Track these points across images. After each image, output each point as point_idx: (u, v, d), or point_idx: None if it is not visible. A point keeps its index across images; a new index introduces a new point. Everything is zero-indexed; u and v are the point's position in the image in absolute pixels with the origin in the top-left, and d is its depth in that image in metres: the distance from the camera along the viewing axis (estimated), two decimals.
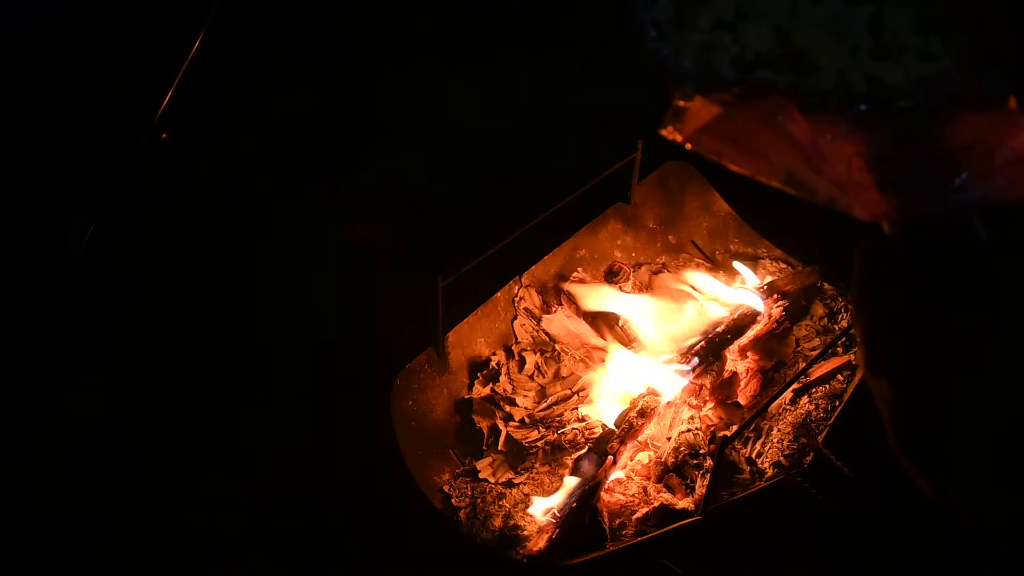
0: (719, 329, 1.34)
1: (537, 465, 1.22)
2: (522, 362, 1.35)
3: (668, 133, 0.63)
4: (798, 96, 0.61)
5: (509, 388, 1.31)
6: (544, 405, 1.29)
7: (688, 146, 0.61)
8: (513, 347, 1.37)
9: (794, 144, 0.57)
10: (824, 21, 0.66)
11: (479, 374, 1.32)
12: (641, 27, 0.65)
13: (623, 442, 1.17)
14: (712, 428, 1.23)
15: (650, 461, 1.21)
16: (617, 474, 1.18)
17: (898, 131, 0.57)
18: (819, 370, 1.25)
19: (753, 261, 1.52)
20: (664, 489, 1.16)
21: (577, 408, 1.28)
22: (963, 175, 0.52)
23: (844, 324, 1.37)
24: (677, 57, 0.65)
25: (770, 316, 1.34)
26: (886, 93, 0.60)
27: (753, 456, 1.20)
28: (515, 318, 1.39)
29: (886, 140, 0.57)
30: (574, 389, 1.31)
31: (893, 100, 0.58)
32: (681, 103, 0.64)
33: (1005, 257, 0.50)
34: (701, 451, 1.19)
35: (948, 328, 0.47)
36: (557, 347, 1.38)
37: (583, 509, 1.12)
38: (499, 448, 1.25)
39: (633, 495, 1.17)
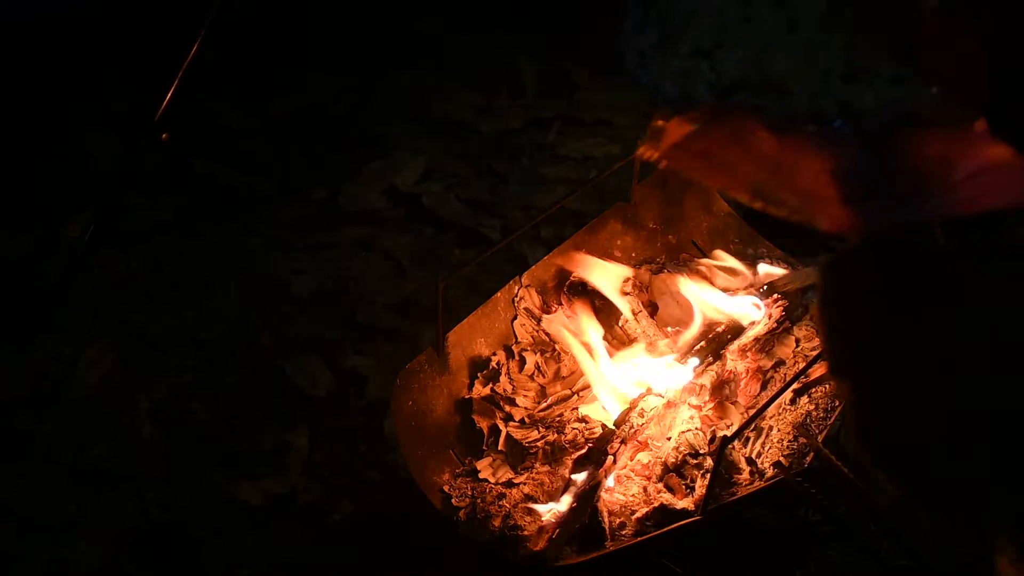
0: (719, 329, 1.34)
1: (537, 465, 1.22)
2: (522, 362, 1.35)
3: (644, 151, 0.69)
4: (769, 117, 0.64)
5: (509, 388, 1.31)
6: (544, 405, 1.29)
7: (663, 163, 0.67)
8: (513, 347, 1.37)
9: (762, 160, 0.60)
10: (799, 48, 0.69)
11: (479, 374, 1.32)
12: (625, 54, 0.69)
13: (623, 442, 1.17)
14: (712, 428, 1.24)
15: (650, 461, 1.21)
16: (617, 474, 1.18)
17: (864, 148, 0.59)
18: (819, 370, 1.25)
19: (753, 261, 1.52)
20: (664, 489, 1.16)
21: (577, 408, 1.28)
22: (924, 189, 0.55)
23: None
24: (659, 82, 0.68)
25: (770, 316, 1.34)
26: (855, 114, 0.62)
27: (753, 456, 1.20)
28: (515, 318, 1.39)
29: (852, 157, 0.59)
30: (574, 389, 1.31)
31: (862, 121, 0.61)
32: (659, 123, 0.68)
33: (962, 263, 0.52)
34: (701, 451, 1.19)
35: (905, 329, 0.49)
36: (557, 347, 1.38)
37: (583, 509, 1.11)
38: (499, 448, 1.25)
39: (633, 495, 1.17)
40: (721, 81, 0.66)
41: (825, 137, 0.60)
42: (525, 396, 1.31)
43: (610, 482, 1.17)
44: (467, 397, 1.31)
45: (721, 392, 1.28)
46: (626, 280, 1.41)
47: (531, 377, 1.34)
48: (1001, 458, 0.42)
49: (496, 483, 1.20)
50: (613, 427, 1.20)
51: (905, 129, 0.58)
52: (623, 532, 1.12)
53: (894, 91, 0.64)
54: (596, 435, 1.22)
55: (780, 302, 1.37)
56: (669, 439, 1.22)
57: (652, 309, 1.42)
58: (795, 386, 1.23)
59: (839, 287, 0.54)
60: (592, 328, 1.36)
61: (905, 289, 0.51)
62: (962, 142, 0.56)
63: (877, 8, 0.67)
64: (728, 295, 1.41)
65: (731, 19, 0.71)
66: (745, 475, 1.17)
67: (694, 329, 1.35)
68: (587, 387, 1.31)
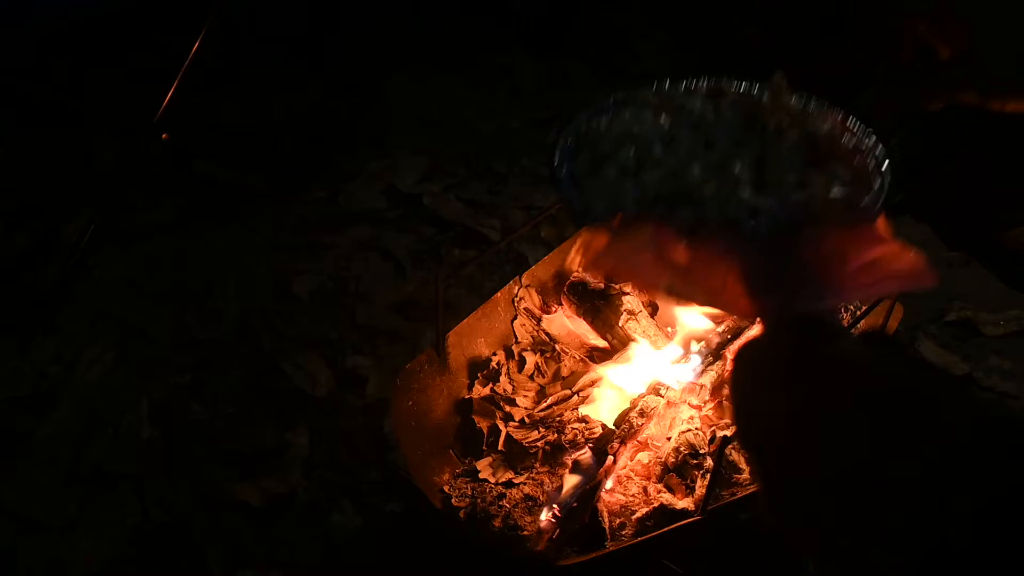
0: (720, 329, 1.34)
1: (537, 465, 1.22)
2: (522, 362, 1.35)
3: (572, 263, 0.78)
4: (679, 224, 0.74)
5: (509, 388, 1.31)
6: (544, 405, 1.29)
7: (583, 271, 0.80)
8: (513, 347, 1.37)
9: (672, 264, 0.69)
10: (714, 163, 0.83)
11: (479, 374, 1.32)
12: (561, 179, 0.83)
13: (623, 442, 1.17)
14: (712, 428, 1.23)
15: (650, 461, 1.21)
16: (617, 474, 1.18)
17: (766, 246, 0.68)
18: None
19: None
20: (664, 489, 1.16)
21: (577, 408, 1.28)
22: (818, 282, 0.63)
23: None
24: (591, 202, 0.81)
25: None
26: (760, 216, 0.73)
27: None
28: (515, 318, 1.39)
29: (756, 255, 0.68)
30: (574, 389, 1.31)
31: (765, 222, 0.71)
32: (587, 236, 0.79)
33: (842, 343, 0.58)
34: (701, 451, 1.19)
35: (792, 405, 0.54)
36: (557, 347, 1.38)
37: (583, 509, 1.11)
38: (499, 448, 1.25)
39: (633, 495, 1.17)
40: (645, 195, 0.77)
41: (731, 238, 0.69)
42: (525, 396, 1.31)
43: (610, 482, 1.17)
44: (467, 397, 1.31)
45: (721, 392, 1.28)
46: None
47: (531, 377, 1.34)
48: (880, 522, 0.45)
49: (496, 483, 1.20)
50: (613, 427, 1.20)
51: (804, 229, 0.68)
52: (623, 532, 1.12)
53: (797, 194, 0.76)
54: (596, 435, 1.22)
55: None
56: (669, 439, 1.22)
57: (652, 309, 1.42)
58: None
59: (741, 370, 0.60)
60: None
61: (792, 370, 0.57)
62: (856, 238, 0.66)
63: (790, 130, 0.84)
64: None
65: (654, 142, 0.87)
66: (745, 475, 1.17)
67: (695, 329, 1.35)
68: (587, 387, 1.31)
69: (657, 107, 0.97)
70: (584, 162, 0.92)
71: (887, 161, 0.90)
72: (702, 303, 0.73)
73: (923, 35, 0.89)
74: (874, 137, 0.93)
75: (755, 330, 1.19)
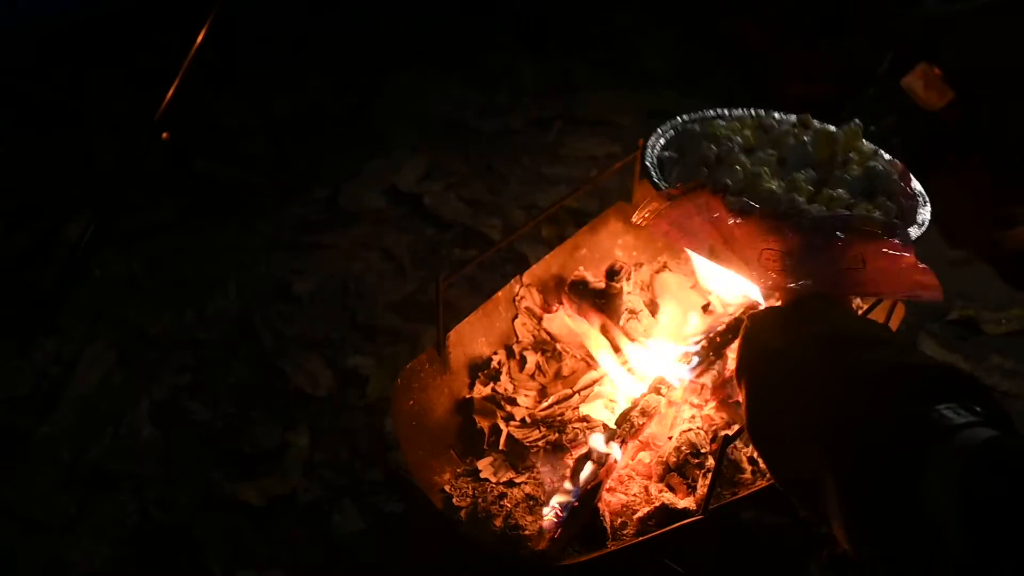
0: (721, 327, 1.33)
1: (538, 465, 1.22)
2: (523, 361, 1.35)
3: (635, 219, 0.93)
4: (732, 200, 0.88)
5: (510, 388, 1.31)
6: (545, 404, 1.28)
7: (644, 224, 0.90)
8: (514, 346, 1.36)
9: (719, 231, 0.82)
10: (781, 176, 1.03)
11: (480, 374, 1.32)
12: (648, 159, 1.10)
13: (624, 441, 1.17)
14: (714, 427, 1.23)
15: (651, 460, 1.20)
16: (618, 473, 1.18)
17: (803, 239, 0.81)
18: None
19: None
20: (666, 488, 1.16)
21: (578, 407, 1.28)
22: (841, 275, 0.76)
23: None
24: (670, 183, 1.02)
25: None
26: (806, 217, 0.87)
27: (755, 455, 1.19)
28: (516, 317, 1.39)
29: (792, 244, 0.81)
30: (575, 388, 1.31)
31: (809, 222, 0.85)
32: (646, 198, 0.92)
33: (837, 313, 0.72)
34: (703, 450, 1.18)
35: (777, 349, 0.66)
36: (558, 346, 1.37)
37: (584, 509, 1.11)
38: (500, 448, 1.24)
39: (635, 495, 1.16)
40: (715, 185, 0.93)
41: (776, 226, 0.83)
42: (526, 396, 1.30)
43: (611, 482, 1.16)
44: (468, 397, 1.30)
45: (723, 391, 1.27)
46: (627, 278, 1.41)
47: (532, 377, 1.34)
48: (830, 445, 0.58)
49: (497, 483, 1.19)
50: (614, 427, 1.20)
51: (840, 233, 0.81)
52: (625, 532, 1.12)
53: (843, 211, 0.91)
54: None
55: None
56: (670, 438, 1.22)
57: (653, 308, 1.41)
58: None
59: (749, 327, 0.71)
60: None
61: (785, 323, 0.70)
62: (879, 250, 0.78)
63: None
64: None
65: (735, 148, 1.07)
66: (747, 474, 1.17)
67: (696, 327, 1.35)
68: (588, 386, 1.31)
69: (747, 123, 1.18)
70: (672, 149, 1.13)
71: (928, 207, 1.09)
72: (736, 269, 0.81)
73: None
74: (924, 192, 1.11)
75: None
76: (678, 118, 1.23)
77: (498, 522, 1.14)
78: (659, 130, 1.20)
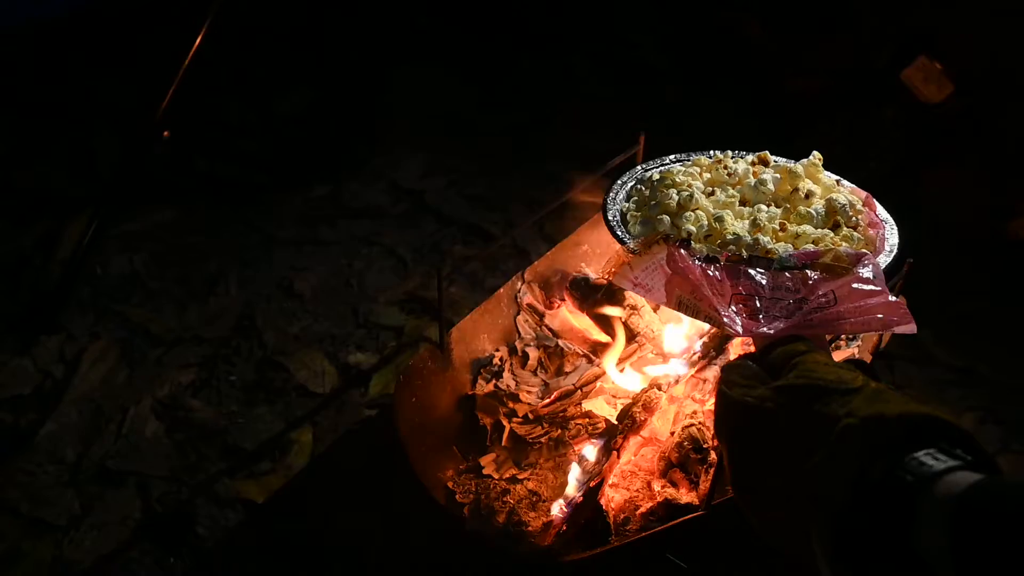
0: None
1: (541, 461, 1.22)
2: (525, 358, 1.35)
3: (603, 274, 0.92)
4: (696, 248, 0.92)
5: (512, 384, 1.31)
6: (547, 401, 1.29)
7: (612, 281, 0.89)
8: (516, 343, 1.37)
9: (686, 281, 0.82)
10: (747, 216, 1.08)
11: (482, 370, 1.32)
12: (610, 211, 1.16)
13: (627, 437, 1.17)
14: None
15: (654, 456, 1.21)
16: (621, 469, 1.18)
17: (772, 281, 0.81)
18: None
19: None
20: (668, 484, 1.16)
21: (580, 403, 1.28)
22: (813, 315, 0.75)
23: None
24: (632, 232, 1.10)
25: None
26: (773, 258, 0.89)
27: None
28: (518, 314, 1.39)
29: (761, 287, 0.81)
30: (577, 384, 1.31)
31: (777, 263, 0.86)
32: (618, 257, 0.91)
33: (811, 359, 0.69)
34: (705, 445, 1.19)
35: (754, 409, 0.65)
36: (560, 343, 1.37)
37: (587, 504, 1.11)
38: (503, 444, 1.25)
39: (637, 490, 1.17)
40: (679, 232, 1.01)
41: (742, 271, 0.83)
42: (528, 392, 1.31)
43: (614, 478, 1.17)
44: (470, 393, 1.30)
45: None
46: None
47: (534, 373, 1.34)
48: (812, 500, 0.57)
49: (500, 479, 1.20)
50: (616, 422, 1.20)
51: (808, 271, 0.82)
52: (628, 527, 1.12)
53: (808, 247, 0.93)
54: (600, 430, 1.22)
55: None
56: (673, 434, 1.22)
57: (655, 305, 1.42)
58: None
59: (723, 379, 0.70)
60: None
61: (757, 375, 0.69)
62: (848, 286, 0.79)
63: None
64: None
65: (695, 192, 1.12)
66: None
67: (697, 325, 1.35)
68: (590, 382, 1.31)
69: (704, 166, 1.22)
70: (633, 199, 1.18)
71: (896, 232, 1.10)
72: (705, 319, 0.80)
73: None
74: (890, 218, 1.12)
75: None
76: (637, 167, 1.28)
77: (501, 518, 1.14)
78: (619, 181, 1.24)
